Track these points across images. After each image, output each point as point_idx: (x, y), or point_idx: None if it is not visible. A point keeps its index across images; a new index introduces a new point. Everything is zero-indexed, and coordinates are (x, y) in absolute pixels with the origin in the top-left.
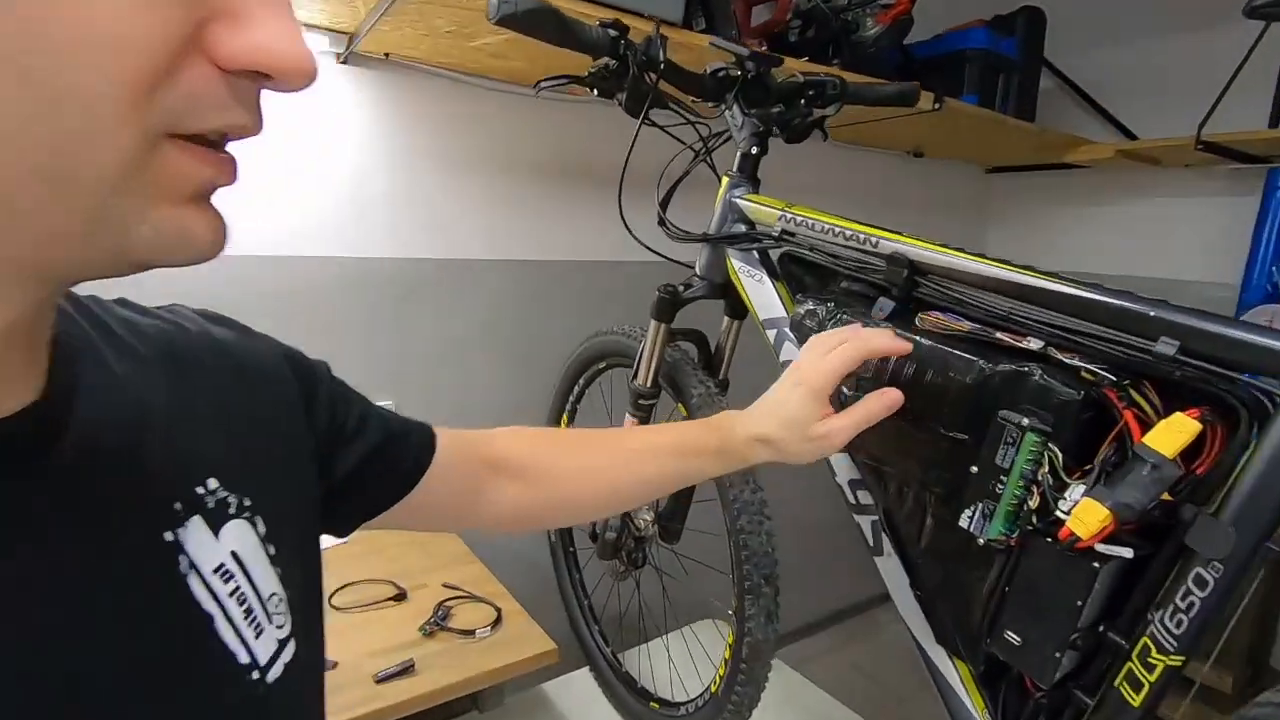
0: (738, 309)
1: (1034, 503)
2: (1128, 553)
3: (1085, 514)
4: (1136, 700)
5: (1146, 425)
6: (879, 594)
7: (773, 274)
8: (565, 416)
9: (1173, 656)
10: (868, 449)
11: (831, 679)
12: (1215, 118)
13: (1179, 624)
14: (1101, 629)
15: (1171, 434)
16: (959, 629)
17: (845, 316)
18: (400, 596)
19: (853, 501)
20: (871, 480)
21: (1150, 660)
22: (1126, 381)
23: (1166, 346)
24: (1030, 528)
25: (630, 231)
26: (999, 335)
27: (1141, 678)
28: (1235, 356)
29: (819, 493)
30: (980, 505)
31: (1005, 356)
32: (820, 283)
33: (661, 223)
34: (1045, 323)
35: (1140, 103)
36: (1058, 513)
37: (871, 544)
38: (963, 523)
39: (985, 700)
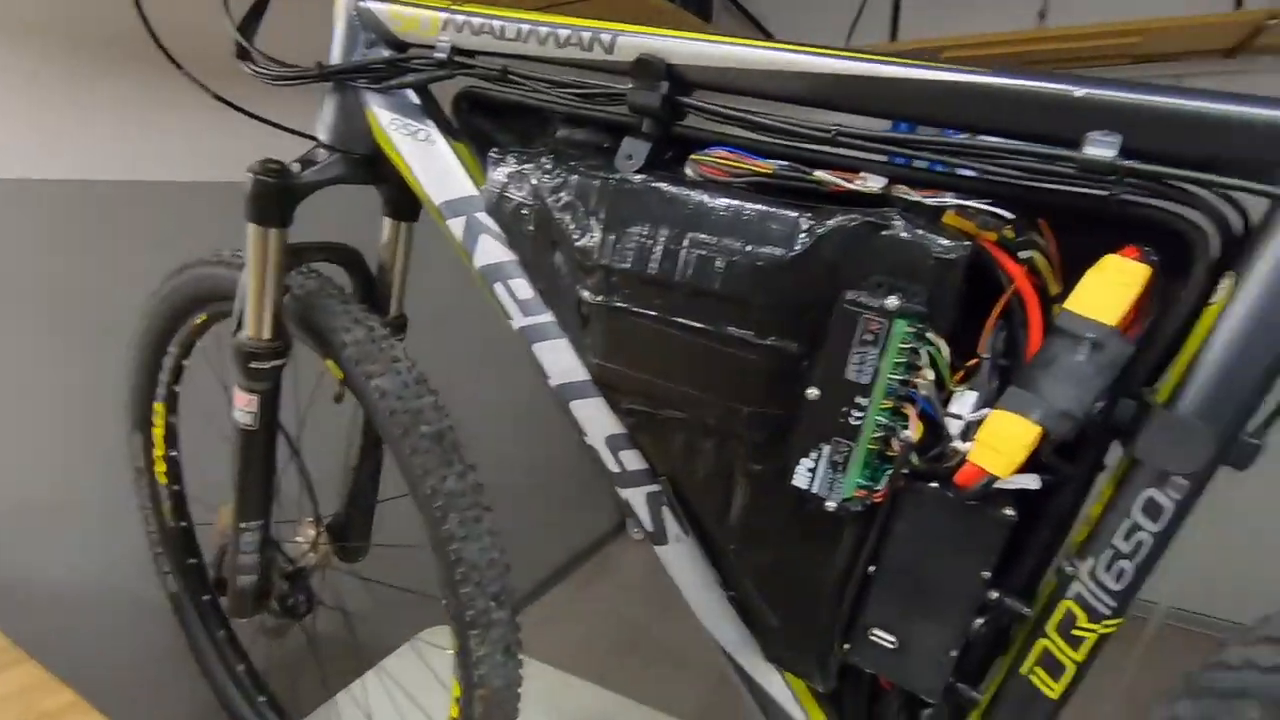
0: (401, 200)
1: (913, 431)
2: (1034, 482)
3: (999, 436)
4: (1055, 689)
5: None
6: (611, 529)
7: (447, 129)
8: (161, 407)
9: (1108, 623)
10: (635, 384)
11: (578, 633)
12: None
13: (1119, 575)
14: (995, 595)
15: (1109, 288)
16: (798, 637)
17: (576, 178)
18: None
19: (616, 469)
20: (645, 434)
21: (1076, 632)
22: (1016, 220)
23: (1103, 146)
24: (906, 472)
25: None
26: (819, 174)
27: (1063, 657)
28: (1204, 148)
29: (526, 419)
30: (825, 450)
31: (836, 206)
32: (522, 135)
33: (243, 56)
34: (889, 143)
35: (786, 16)
36: (954, 443)
37: (650, 528)
38: (798, 481)
39: (828, 711)
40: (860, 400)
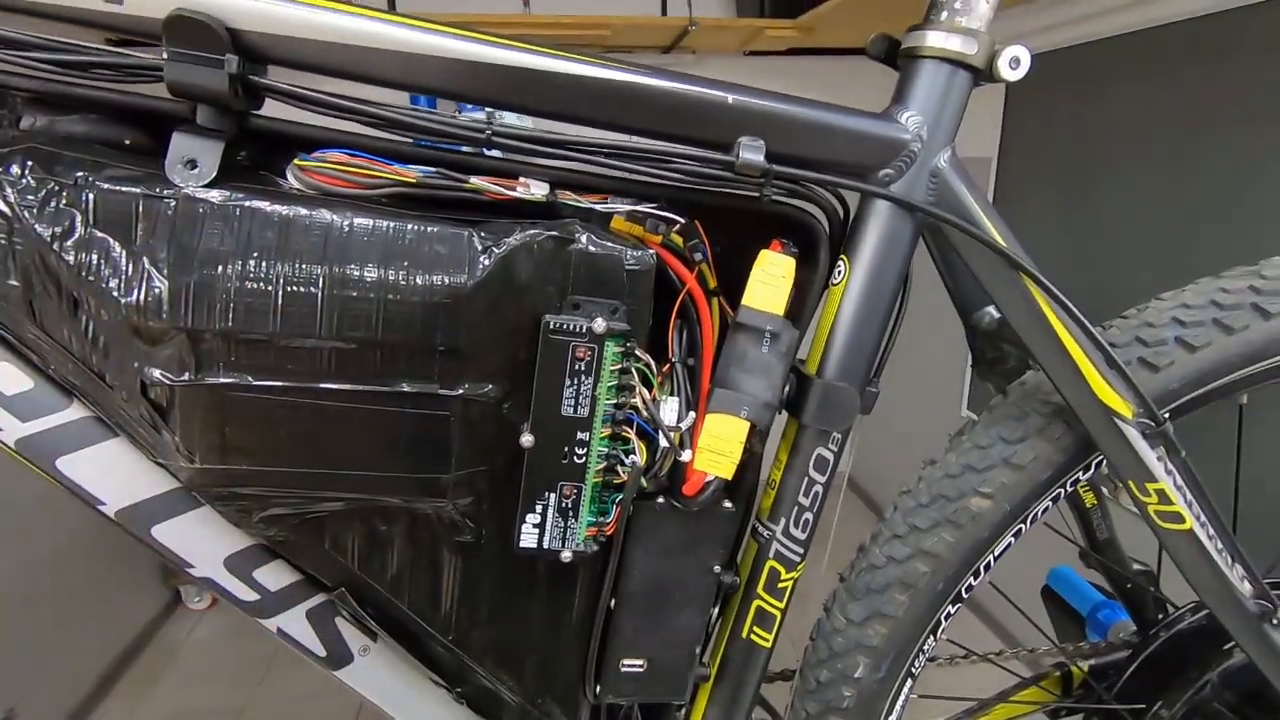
0: None
1: (640, 455)
2: (727, 472)
3: (718, 439)
4: (769, 638)
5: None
6: (160, 607)
7: None
8: None
9: (799, 567)
10: (267, 482)
11: None
12: None
13: (804, 525)
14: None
15: (772, 282)
16: (547, 703)
17: (98, 197)
18: None
19: (252, 597)
20: (297, 543)
21: (780, 585)
22: (684, 223)
23: (753, 151)
24: (634, 496)
25: None
26: (476, 181)
27: (772, 610)
28: (822, 152)
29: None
30: (551, 499)
31: (505, 220)
32: None
33: None
34: (552, 144)
35: None
36: (681, 455)
37: (323, 652)
38: (525, 542)
39: None
40: (581, 435)
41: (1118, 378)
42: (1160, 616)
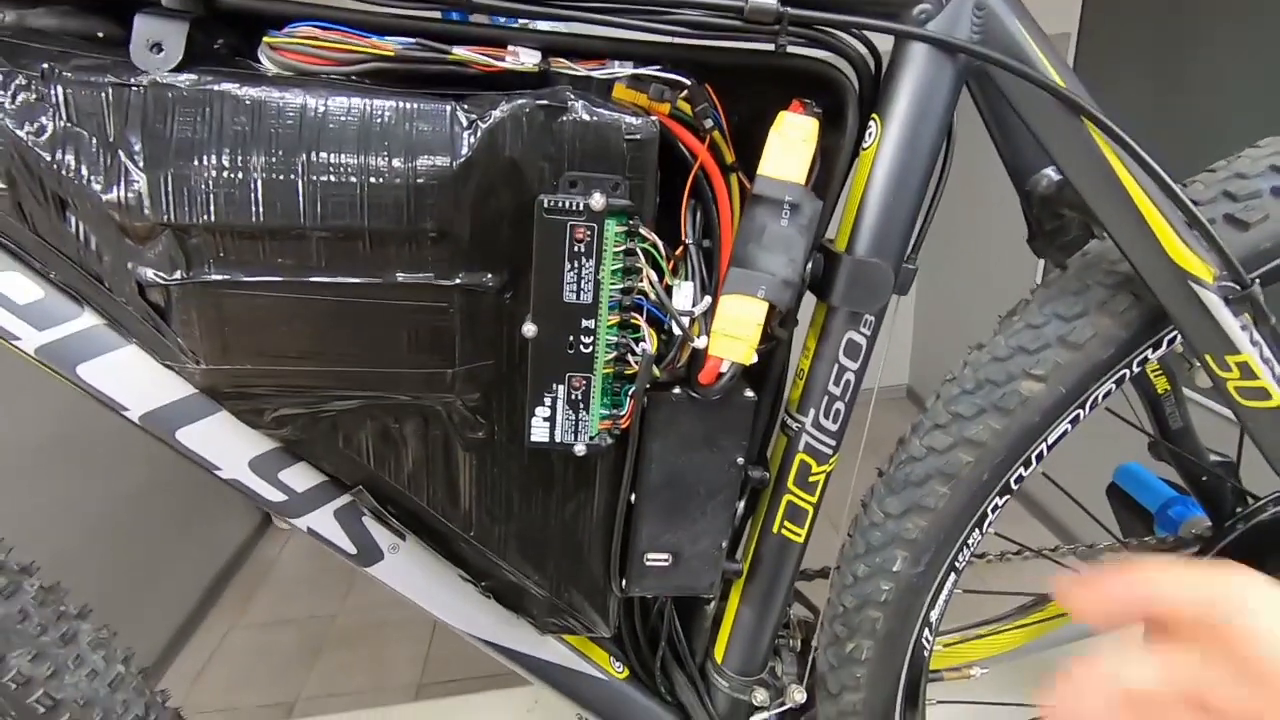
0: None
1: (650, 343)
2: (743, 357)
3: (734, 322)
4: (801, 534)
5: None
6: (253, 527)
7: None
8: None
9: (832, 460)
10: (275, 382)
11: (253, 663)
12: None
13: (835, 416)
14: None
15: (792, 147)
16: (573, 596)
17: (66, 90)
18: None
19: (280, 497)
20: (313, 442)
21: (811, 479)
22: (690, 86)
23: None
24: (649, 386)
25: None
26: (460, 52)
27: (804, 504)
28: None
29: (83, 438)
30: (560, 391)
31: (491, 92)
32: None
33: None
34: (540, 3)
35: None
36: (695, 342)
37: (354, 550)
38: (536, 436)
39: (609, 650)
40: (587, 323)
41: (1198, 237)
42: (1238, 509)
